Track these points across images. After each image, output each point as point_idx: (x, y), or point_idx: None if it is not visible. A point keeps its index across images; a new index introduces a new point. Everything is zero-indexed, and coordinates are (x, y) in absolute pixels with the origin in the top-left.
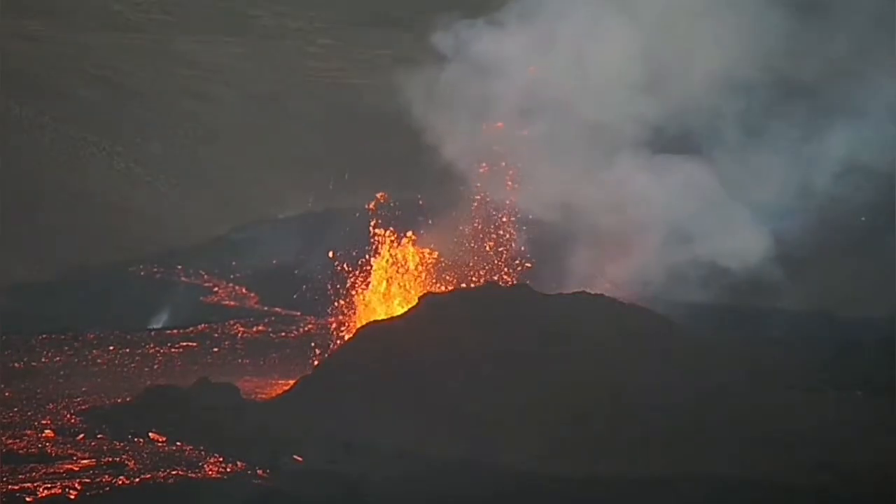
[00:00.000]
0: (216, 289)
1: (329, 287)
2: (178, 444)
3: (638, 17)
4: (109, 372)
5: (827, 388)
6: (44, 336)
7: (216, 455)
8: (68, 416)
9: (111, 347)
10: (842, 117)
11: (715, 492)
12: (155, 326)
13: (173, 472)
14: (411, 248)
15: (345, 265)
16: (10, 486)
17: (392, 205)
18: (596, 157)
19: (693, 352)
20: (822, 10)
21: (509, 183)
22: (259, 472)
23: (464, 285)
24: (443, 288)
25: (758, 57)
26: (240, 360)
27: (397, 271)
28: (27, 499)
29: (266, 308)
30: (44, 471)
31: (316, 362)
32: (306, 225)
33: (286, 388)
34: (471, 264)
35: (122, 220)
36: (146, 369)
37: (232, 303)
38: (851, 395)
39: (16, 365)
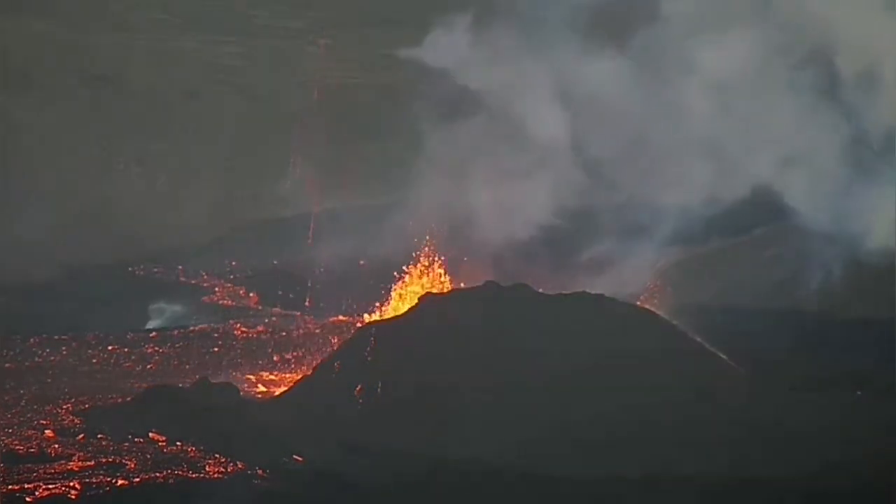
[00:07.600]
0: (216, 289)
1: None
2: (179, 444)
3: None
4: (109, 372)
5: (826, 388)
6: (43, 336)
7: (216, 455)
8: (68, 416)
9: (110, 347)
10: None
11: (714, 491)
12: (155, 326)
13: (173, 472)
14: None
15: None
16: (10, 486)
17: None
18: None
19: (692, 352)
20: None
21: None
22: (259, 472)
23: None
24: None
25: None
26: (240, 360)
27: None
28: (27, 499)
29: (266, 308)
30: (44, 471)
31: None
32: (306, 225)
33: (286, 388)
34: None
35: (122, 220)
36: (145, 369)
37: (232, 303)
38: (851, 395)
39: (12, 365)
